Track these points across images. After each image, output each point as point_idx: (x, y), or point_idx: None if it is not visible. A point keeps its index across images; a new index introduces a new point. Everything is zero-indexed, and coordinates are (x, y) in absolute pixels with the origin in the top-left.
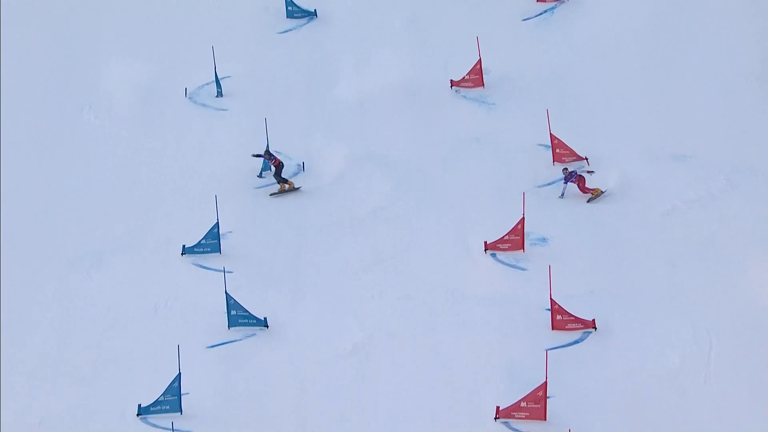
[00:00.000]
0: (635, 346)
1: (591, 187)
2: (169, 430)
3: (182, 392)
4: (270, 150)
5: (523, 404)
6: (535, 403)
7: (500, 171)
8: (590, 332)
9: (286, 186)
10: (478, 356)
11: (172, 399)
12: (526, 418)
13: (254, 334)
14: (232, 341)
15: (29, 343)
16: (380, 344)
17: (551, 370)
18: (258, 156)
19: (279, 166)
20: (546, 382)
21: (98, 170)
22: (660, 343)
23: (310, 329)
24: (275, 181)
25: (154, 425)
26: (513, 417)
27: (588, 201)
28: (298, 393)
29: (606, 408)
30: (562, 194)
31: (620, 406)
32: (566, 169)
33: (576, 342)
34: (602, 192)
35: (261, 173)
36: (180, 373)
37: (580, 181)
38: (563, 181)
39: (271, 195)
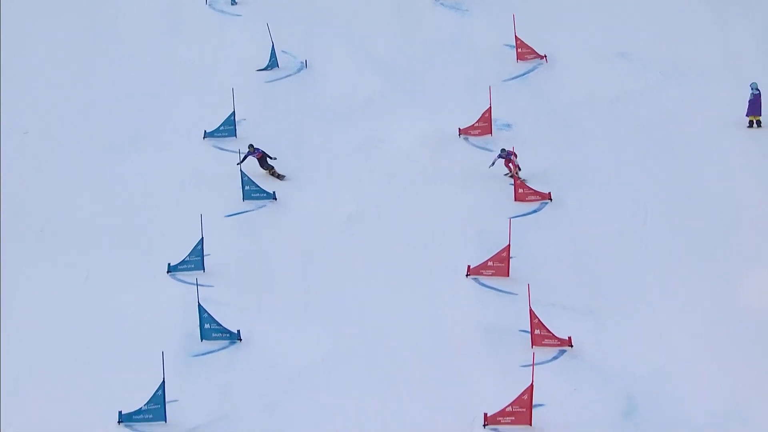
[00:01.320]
0: (584, 214)
1: (514, 169)
2: (194, 284)
3: (204, 253)
4: (253, 145)
5: (489, 263)
6: (500, 263)
7: (472, 67)
8: (547, 203)
9: (274, 172)
10: (453, 224)
11: (196, 259)
12: (493, 275)
13: (264, 206)
14: (246, 211)
15: (76, 214)
16: (370, 214)
17: (514, 235)
18: (242, 161)
19: (262, 158)
20: (509, 245)
21: (130, 69)
22: (605, 212)
23: (311, 201)
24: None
25: (182, 281)
26: (481, 274)
27: (506, 175)
28: (302, 254)
29: (559, 266)
30: (492, 164)
31: (571, 264)
32: (504, 149)
33: (534, 211)
34: (518, 177)
35: (265, 68)
36: (203, 237)
37: (510, 161)
38: (498, 156)
39: (277, 176)
